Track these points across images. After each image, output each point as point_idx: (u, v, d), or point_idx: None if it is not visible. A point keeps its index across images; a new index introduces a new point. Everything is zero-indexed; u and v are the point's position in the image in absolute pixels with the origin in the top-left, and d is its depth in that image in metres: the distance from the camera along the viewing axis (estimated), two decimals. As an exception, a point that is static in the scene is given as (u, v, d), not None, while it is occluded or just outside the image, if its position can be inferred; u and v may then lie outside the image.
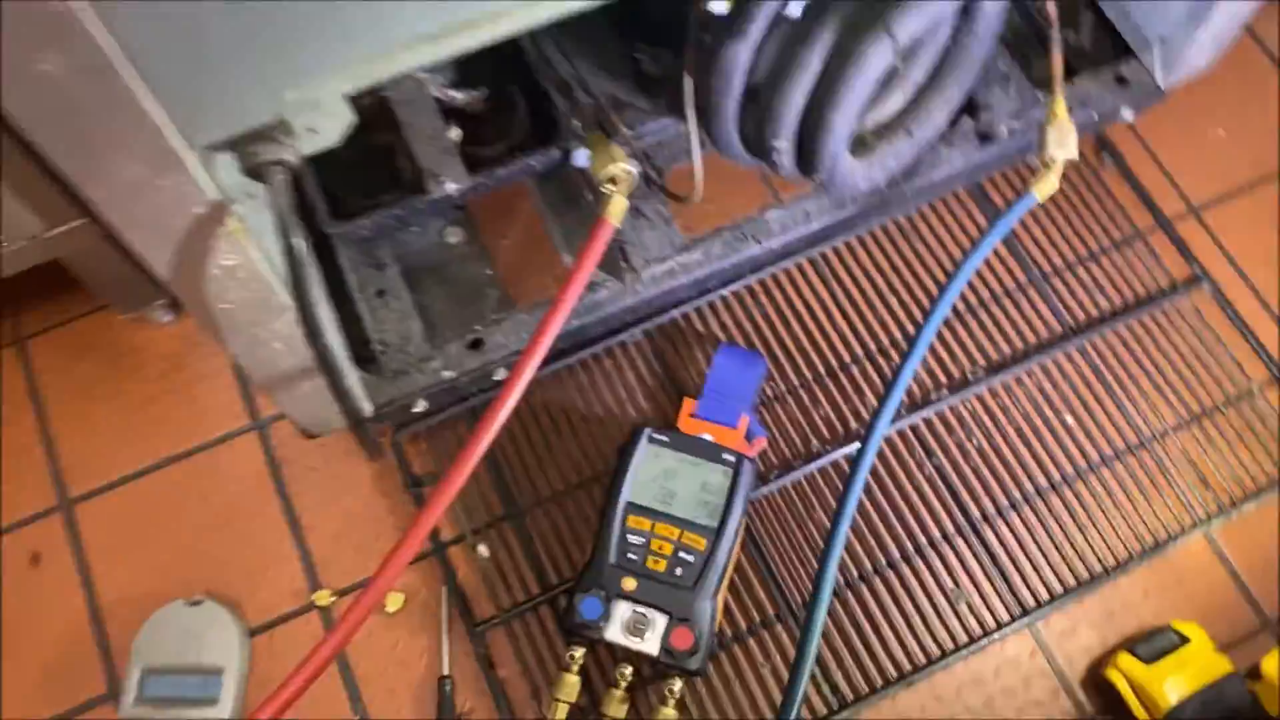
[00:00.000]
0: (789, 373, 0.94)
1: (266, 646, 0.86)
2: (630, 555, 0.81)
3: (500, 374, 0.78)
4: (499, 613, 0.86)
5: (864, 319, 0.96)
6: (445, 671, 0.85)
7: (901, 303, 0.97)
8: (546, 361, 0.94)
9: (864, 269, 0.98)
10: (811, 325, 0.96)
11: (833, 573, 0.72)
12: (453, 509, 0.90)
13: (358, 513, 0.91)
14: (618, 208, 0.68)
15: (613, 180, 0.70)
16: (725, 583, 0.82)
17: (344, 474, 0.92)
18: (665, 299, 0.81)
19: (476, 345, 0.78)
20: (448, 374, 0.77)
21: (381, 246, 0.80)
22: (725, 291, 0.97)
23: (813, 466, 0.90)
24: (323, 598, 0.87)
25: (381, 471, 0.92)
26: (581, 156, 0.79)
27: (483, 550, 0.89)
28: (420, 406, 0.78)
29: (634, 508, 0.83)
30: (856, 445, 0.91)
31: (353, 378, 0.74)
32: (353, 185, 0.80)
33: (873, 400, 0.93)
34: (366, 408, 0.75)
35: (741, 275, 0.85)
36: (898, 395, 0.78)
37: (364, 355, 0.78)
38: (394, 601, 0.87)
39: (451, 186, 0.76)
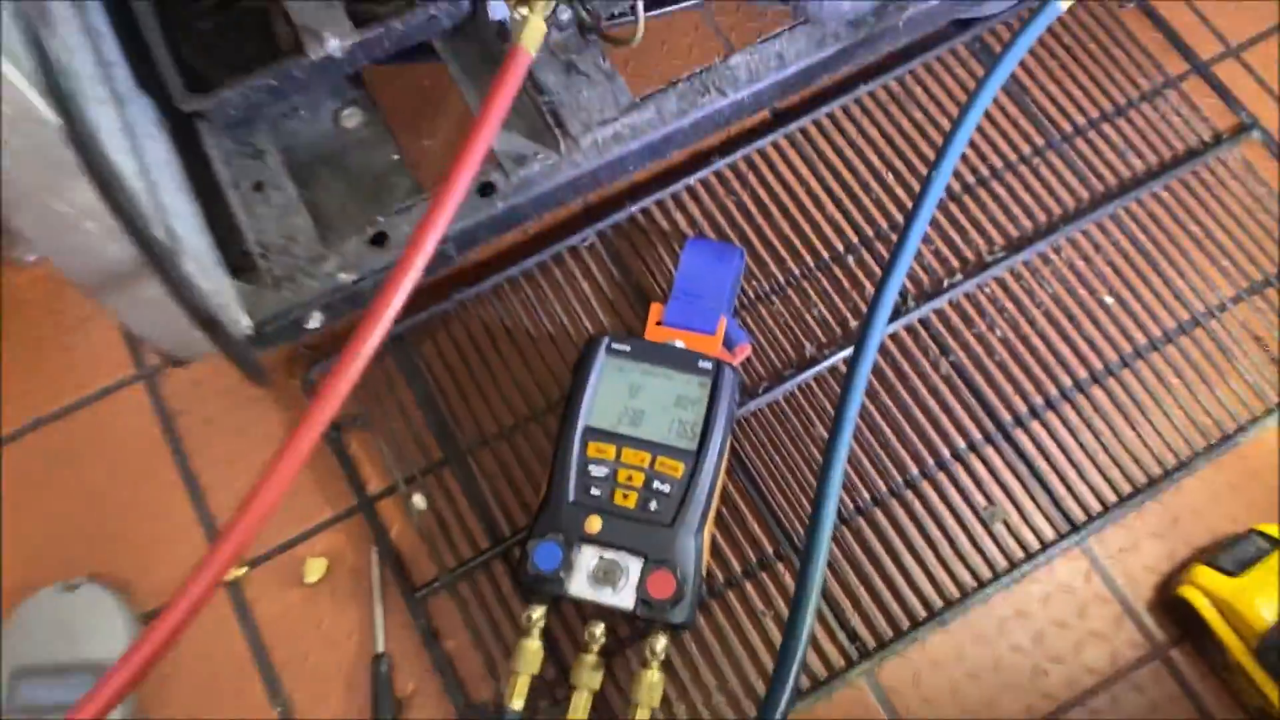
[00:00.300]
0: (772, 269, 0.79)
1: (164, 634, 0.71)
2: (593, 490, 0.67)
3: (414, 274, 0.63)
4: (441, 574, 0.71)
5: (857, 201, 0.81)
6: (380, 649, 0.70)
7: (900, 179, 0.82)
8: (484, 274, 0.80)
9: (853, 144, 0.83)
10: (796, 212, 0.81)
11: (834, 495, 0.58)
12: (380, 454, 0.75)
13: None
14: (534, 33, 0.53)
15: (525, 2, 0.55)
16: (711, 516, 0.67)
17: (249, 424, 0.77)
18: (612, 171, 0.66)
19: (380, 240, 0.63)
20: (345, 276, 0.61)
21: (259, 131, 0.65)
22: (692, 180, 0.82)
23: (807, 375, 0.75)
24: (231, 571, 0.72)
25: (295, 419, 0.77)
26: (499, 7, 0.64)
27: (419, 501, 0.74)
28: (315, 321, 0.63)
29: (594, 433, 0.68)
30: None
31: (221, 285, 0.58)
32: (221, 59, 0.65)
33: (872, 292, 0.78)
34: (243, 324, 0.60)
35: (703, 138, 0.69)
36: (897, 281, 0.64)
37: (243, 264, 0.62)
38: (313, 569, 0.72)
39: (334, 44, 0.61)
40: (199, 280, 0.53)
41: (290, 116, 0.68)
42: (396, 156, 0.68)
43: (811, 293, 0.78)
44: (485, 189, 0.64)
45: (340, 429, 0.76)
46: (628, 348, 0.70)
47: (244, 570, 0.72)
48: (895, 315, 0.77)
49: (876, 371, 0.76)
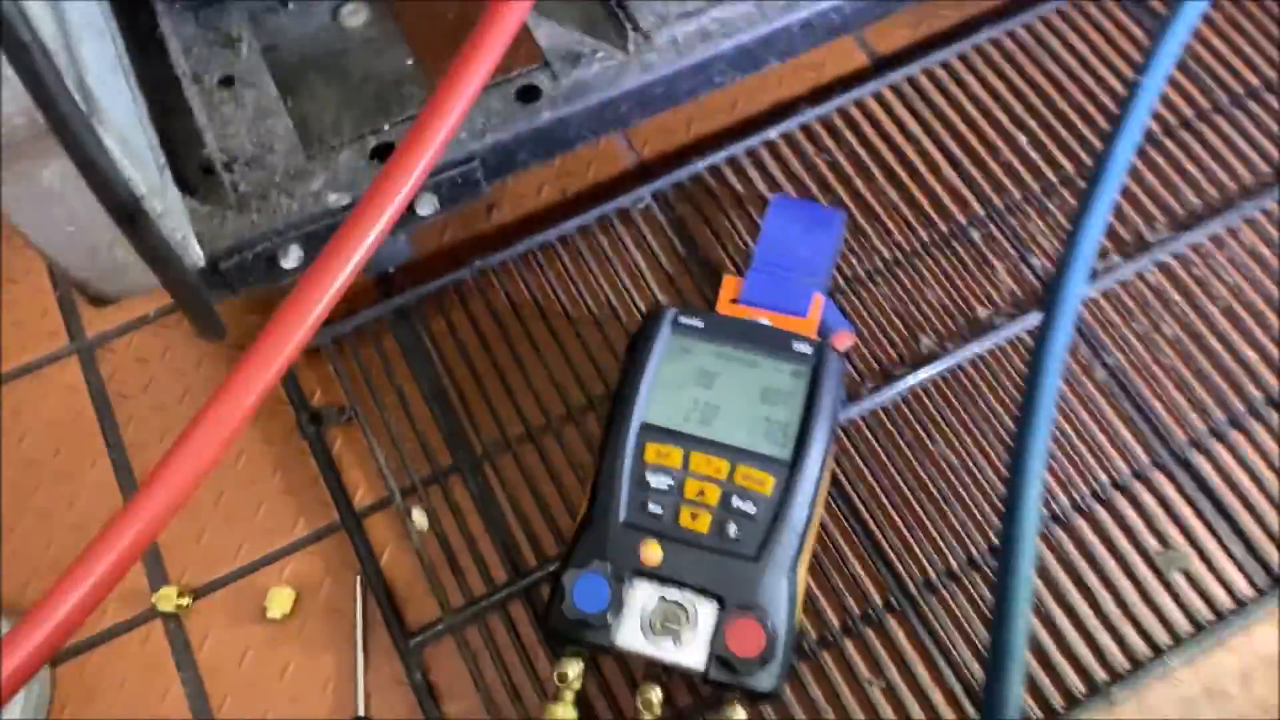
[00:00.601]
0: (876, 243, 0.63)
1: (77, 679, 0.54)
2: (652, 508, 0.50)
3: (427, 203, 0.47)
4: (445, 615, 0.54)
5: (982, 166, 0.65)
6: (361, 711, 0.53)
7: (1035, 141, 0.66)
8: (512, 238, 0.63)
9: (974, 98, 0.67)
10: (905, 176, 0.65)
11: (1030, 531, 0.40)
12: (372, 457, 0.58)
13: (227, 471, 0.59)
14: None
15: None
16: (809, 549, 0.51)
17: (208, 414, 0.60)
18: (693, 79, 0.50)
19: (383, 154, 0.46)
20: (335, 199, 0.46)
21: (230, 13, 0.49)
22: (773, 133, 0.66)
23: (924, 374, 0.59)
24: (168, 598, 0.55)
25: (266, 410, 0.60)
26: None
27: (419, 519, 0.57)
28: (293, 259, 0.47)
29: (655, 432, 0.51)
30: (989, 342, 0.59)
31: (163, 195, 0.42)
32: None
33: (1005, 276, 0.62)
34: (194, 253, 0.43)
35: (811, 45, 0.53)
36: (1093, 237, 0.47)
37: (201, 184, 0.46)
38: (278, 602, 0.55)
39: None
40: (126, 168, 0.37)
41: (275, 11, 0.52)
42: (410, 61, 0.52)
43: (927, 274, 0.62)
44: (527, 93, 0.48)
45: (320, 422, 0.59)
46: (700, 323, 0.54)
47: (186, 600, 0.55)
48: (1022, 307, 0.60)
49: (1007, 376, 0.59)
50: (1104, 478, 0.57)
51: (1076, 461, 0.57)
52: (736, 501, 0.50)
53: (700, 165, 0.65)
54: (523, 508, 0.57)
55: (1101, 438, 0.58)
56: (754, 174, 0.65)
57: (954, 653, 0.53)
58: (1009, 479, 0.40)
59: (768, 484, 0.50)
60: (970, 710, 0.52)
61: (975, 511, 0.56)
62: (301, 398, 0.59)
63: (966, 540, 0.55)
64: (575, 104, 0.48)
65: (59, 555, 0.57)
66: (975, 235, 0.63)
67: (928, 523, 0.56)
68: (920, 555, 0.55)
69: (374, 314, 0.61)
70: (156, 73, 0.48)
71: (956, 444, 0.57)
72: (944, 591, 0.54)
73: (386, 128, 0.47)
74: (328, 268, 0.34)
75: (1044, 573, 0.55)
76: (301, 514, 0.58)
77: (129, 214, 0.35)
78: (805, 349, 0.53)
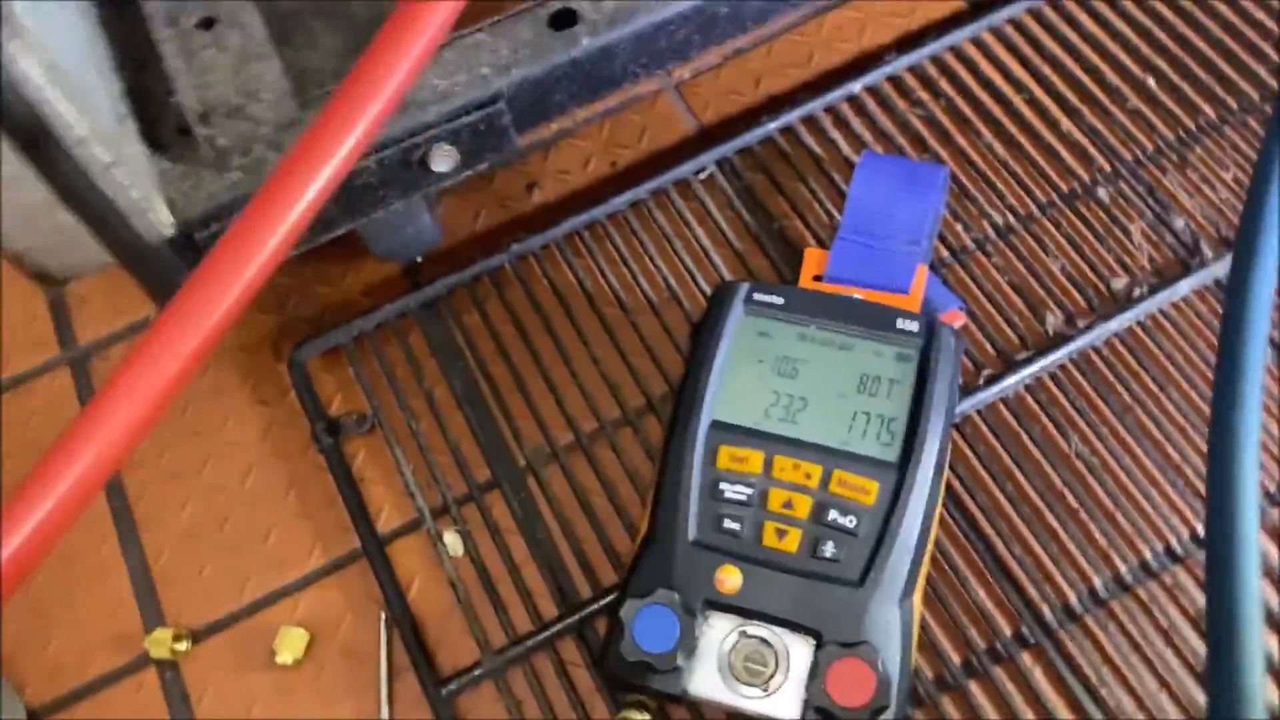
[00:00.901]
0: (986, 207, 0.53)
1: (59, 741, 0.46)
2: (728, 524, 0.41)
3: (444, 157, 0.38)
4: (485, 656, 0.45)
5: (1106, 115, 0.55)
6: (385, 774, 0.44)
7: (1168, 84, 0.56)
8: (555, 218, 0.54)
9: (1092, 39, 0.58)
10: (1015, 129, 0.55)
11: (1250, 529, 0.31)
12: (399, 473, 0.49)
13: (233, 492, 0.51)
14: None
15: None
16: (924, 573, 0.41)
17: (211, 424, 0.52)
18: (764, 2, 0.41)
19: (391, 98, 0.38)
20: (332, 153, 0.37)
21: (212, -55, 0.41)
22: (856, 86, 0.57)
23: (1053, 358, 0.49)
24: (161, 642, 0.47)
25: (278, 419, 0.52)
26: None
27: (453, 543, 0.48)
28: (283, 229, 0.38)
29: (729, 432, 0.42)
30: (1129, 318, 0.49)
31: (125, 153, 0.34)
32: None
33: (1141, 240, 0.52)
34: (161, 220, 0.35)
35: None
36: None
37: (175, 143, 0.39)
38: (289, 644, 0.47)
39: None
40: (51, 97, 0.29)
41: (270, -52, 0.45)
42: None
43: (1048, 241, 0.52)
44: (562, 19, 0.40)
45: (339, 433, 0.51)
46: (779, 299, 0.44)
47: (184, 644, 0.47)
48: (1165, 276, 0.50)
49: (1152, 356, 0.49)
50: (1286, 479, 0.46)
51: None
52: (833, 514, 0.40)
53: (772, 125, 0.56)
54: (574, 529, 0.48)
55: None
56: (835, 134, 0.56)
57: (1103, 692, 0.43)
58: (1212, 460, 0.30)
59: (871, 492, 0.41)
60: (1131, 769, 0.42)
61: (1123, 522, 0.46)
62: (317, 404, 0.51)
63: (1114, 557, 0.45)
64: (620, 29, 0.40)
65: (45, 587, 0.49)
66: (1103, 194, 0.53)
67: (1065, 537, 0.46)
68: (1057, 577, 0.45)
69: (399, 307, 0.53)
70: (135, 26, 0.40)
71: (1096, 440, 0.47)
72: (1088, 619, 0.44)
73: (395, 66, 0.39)
74: (277, 197, 0.26)
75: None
76: (318, 540, 0.49)
77: (33, 138, 0.27)
78: (912, 326, 0.43)
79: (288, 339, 0.53)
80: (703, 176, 0.55)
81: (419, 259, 0.55)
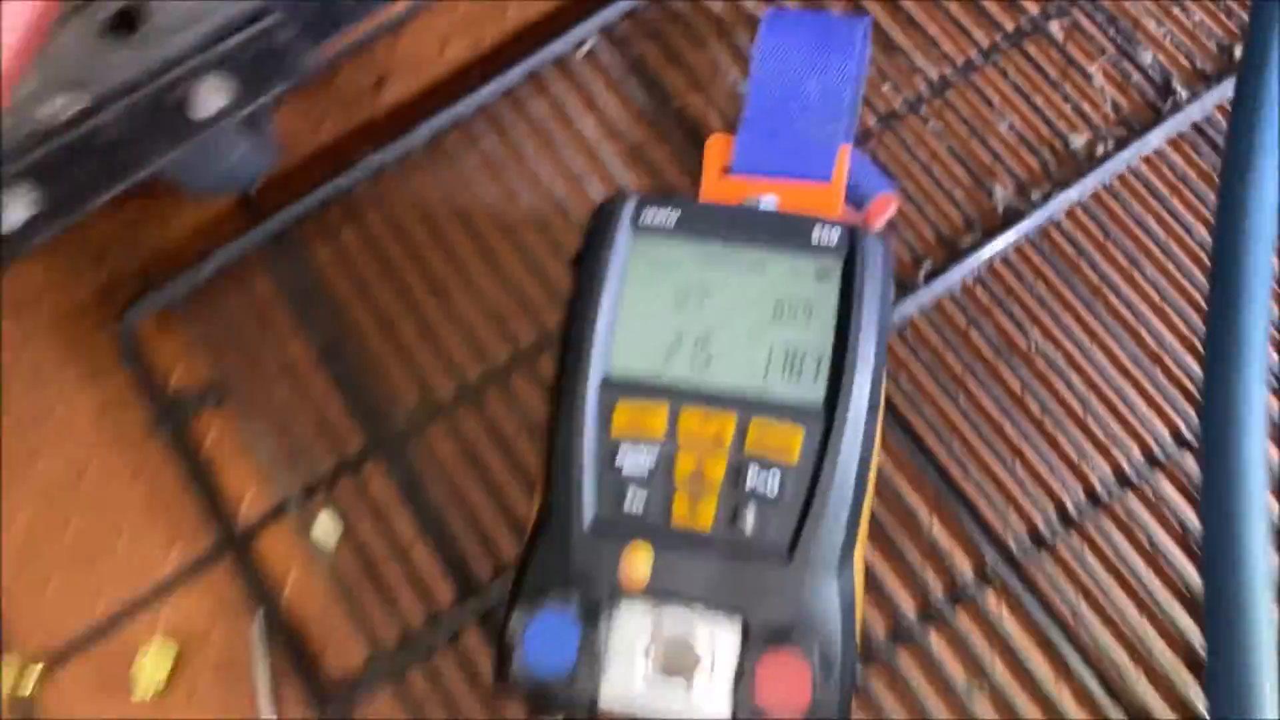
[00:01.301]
0: (917, 61, 0.45)
1: (-91, 796, 0.41)
2: (631, 500, 0.34)
3: (213, 94, 0.30)
4: (376, 657, 0.39)
5: (1052, -72, 0.46)
6: (277, 801, 0.39)
7: (1126, -119, 0.46)
8: (412, 120, 0.45)
9: None
10: (945, -42, 0.46)
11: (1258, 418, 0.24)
12: (257, 451, 0.42)
13: (71, 491, 0.44)
14: None
15: None
16: (864, 528, 0.35)
17: (32, 412, 0.45)
18: None
19: (126, 23, 0.29)
20: (63, 104, 0.28)
21: None
22: (756, -79, 0.47)
23: (1003, 242, 0.41)
24: (8, 674, 0.41)
25: (112, 398, 0.45)
26: None
27: (326, 528, 0.42)
28: (19, 210, 0.30)
29: (623, 387, 0.35)
30: (1093, 181, 0.42)
31: None
32: None
33: (1105, 84, 0.44)
34: None
35: None
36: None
37: None
38: (152, 666, 0.41)
39: None
40: None
41: None
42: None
43: (993, 94, 0.44)
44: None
45: (183, 412, 0.43)
46: (671, 217, 0.37)
47: (34, 674, 0.41)
48: (1134, 125, 0.42)
49: (1123, 225, 0.42)
50: None
51: None
52: (752, 476, 0.34)
53: (661, -18, 0.46)
54: (467, 496, 0.41)
55: None
56: (736, -15, 0.46)
57: (1083, 634, 0.37)
58: (1211, 320, 0.24)
59: (794, 443, 0.34)
60: (1115, 715, 0.37)
61: (1095, 427, 0.40)
62: (152, 380, 0.44)
63: (1086, 469, 0.39)
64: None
65: None
66: (1055, 29, 0.45)
67: (1028, 451, 0.39)
68: (1021, 499, 0.39)
69: (237, 250, 0.44)
70: None
71: (1059, 333, 0.41)
72: (1059, 547, 0.39)
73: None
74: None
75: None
76: (175, 539, 0.43)
77: None
78: (830, 237, 0.36)
79: (114, 300, 0.45)
80: (584, 52, 0.46)
81: (253, 189, 0.46)
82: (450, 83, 0.47)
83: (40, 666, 0.41)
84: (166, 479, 0.43)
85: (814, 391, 0.35)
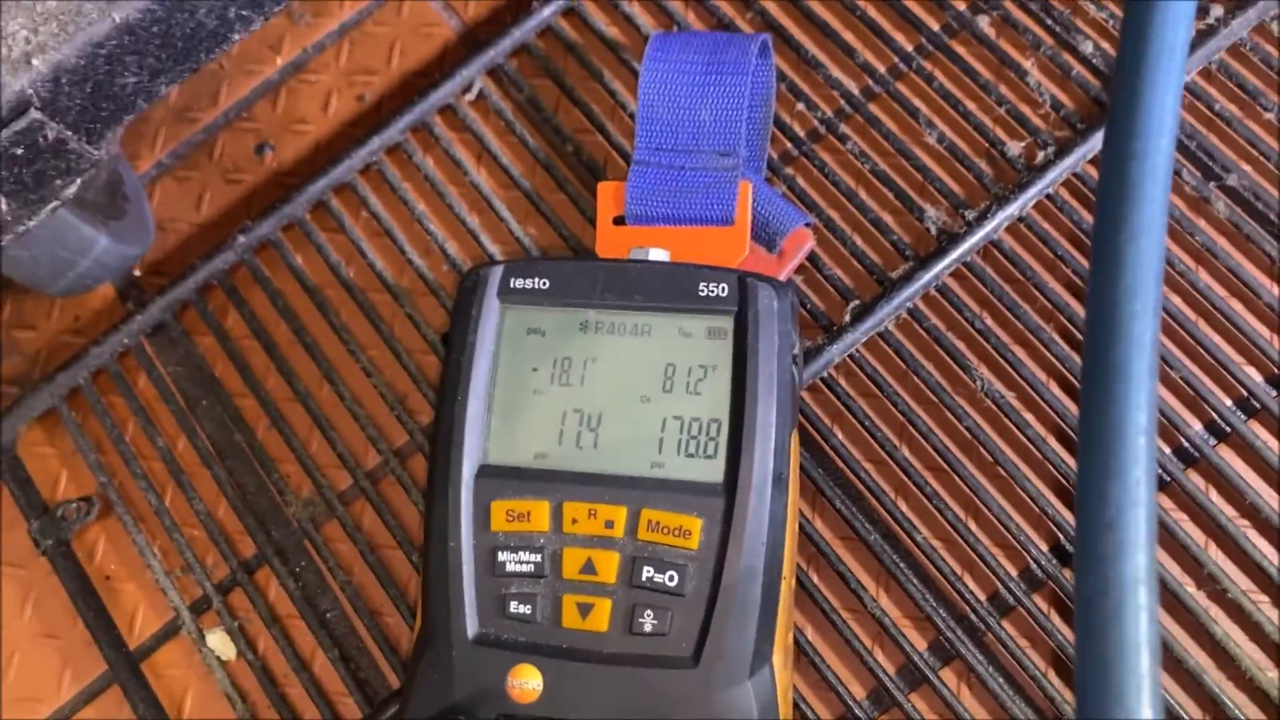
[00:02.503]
0: (831, 69, 0.40)
1: None
2: (516, 607, 0.30)
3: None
4: (275, 788, 0.36)
5: (975, -89, 0.41)
6: None
7: None
8: (299, 186, 0.41)
9: None
10: (858, -43, 0.42)
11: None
12: (145, 563, 0.39)
13: (-42, 616, 0.41)
14: None
15: None
16: (785, 621, 0.30)
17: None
18: None
19: None
20: None
21: None
22: (648, -64, 0.43)
23: (941, 268, 0.37)
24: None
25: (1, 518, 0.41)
26: None
27: (220, 644, 0.38)
28: None
29: (501, 479, 0.31)
30: (1033, 192, 0.37)
31: None
32: None
33: (1043, 79, 0.39)
34: None
35: None
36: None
37: None
38: (40, 811, 0.37)
39: None
40: None
41: None
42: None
43: (919, 105, 0.39)
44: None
45: (62, 528, 0.40)
46: (545, 281, 0.33)
47: (-74, 824, 0.38)
48: (1079, 126, 0.38)
49: (1069, 233, 0.37)
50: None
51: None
52: (648, 571, 0.30)
53: (548, 10, 0.42)
54: (368, 599, 0.38)
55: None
56: (631, 5, 0.42)
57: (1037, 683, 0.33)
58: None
59: (693, 532, 0.30)
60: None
61: (1057, 476, 0.35)
62: (32, 494, 0.40)
63: (1049, 524, 0.34)
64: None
65: None
66: (984, 25, 0.40)
67: (983, 507, 0.35)
68: (979, 565, 0.34)
69: (114, 345, 0.41)
70: None
71: (1009, 368, 0.36)
72: (1022, 608, 0.34)
73: None
74: None
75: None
76: (66, 665, 0.39)
77: None
78: (719, 289, 0.31)
79: (-13, 391, 0.42)
80: (471, 96, 0.42)
81: (135, 274, 0.43)
82: (335, 142, 0.44)
83: (-71, 816, 0.38)
84: (57, 602, 0.40)
85: (713, 469, 0.30)
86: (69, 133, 0.26)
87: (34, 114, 0.26)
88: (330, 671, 0.37)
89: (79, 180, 0.28)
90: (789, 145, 0.40)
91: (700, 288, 0.31)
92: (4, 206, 0.26)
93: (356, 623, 0.38)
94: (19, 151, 0.26)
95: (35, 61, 0.25)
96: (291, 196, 0.41)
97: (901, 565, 0.35)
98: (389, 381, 0.40)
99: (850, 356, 0.37)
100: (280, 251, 0.41)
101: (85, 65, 0.26)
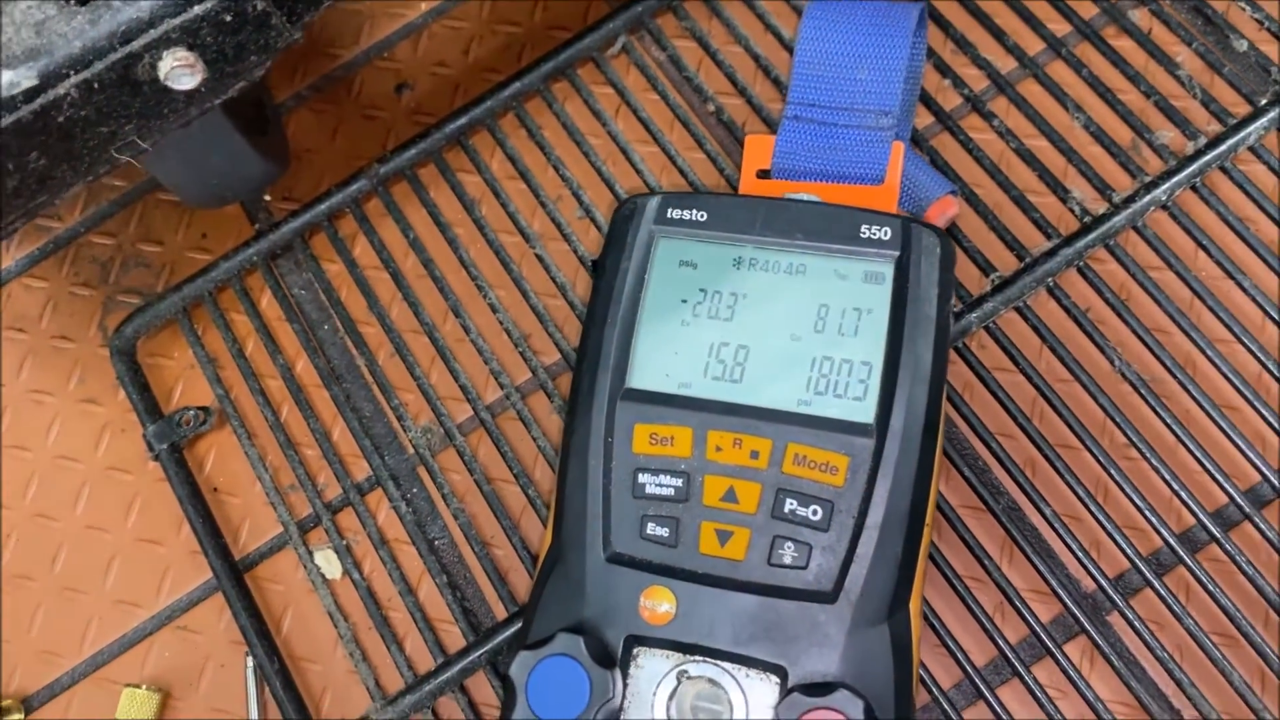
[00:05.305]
0: (979, 48, 0.40)
1: None
2: (654, 529, 0.30)
3: (181, 69, 0.27)
4: (377, 708, 0.35)
5: (1130, -90, 0.42)
6: None
7: None
8: (435, 125, 0.41)
9: None
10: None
11: None
12: (257, 478, 0.39)
13: (62, 517, 0.41)
14: None
15: None
16: (921, 567, 0.30)
17: (29, 437, 0.42)
18: None
19: (87, -11, 0.26)
20: (10, 79, 0.25)
21: None
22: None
23: (1081, 248, 0.37)
24: (-15, 721, 0.38)
25: (112, 422, 0.42)
26: None
27: (327, 563, 0.38)
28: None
29: (646, 403, 0.31)
30: (1198, 170, 0.37)
31: None
32: None
33: (1192, 75, 0.39)
34: None
35: None
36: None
37: None
38: (134, 710, 0.37)
39: None
40: None
41: None
42: None
43: (1067, 90, 0.39)
44: None
45: (178, 435, 0.40)
46: (702, 213, 0.33)
47: (16, 716, 0.38)
48: (1226, 124, 0.37)
49: (1205, 234, 0.37)
50: (1404, 379, 0.34)
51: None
52: (792, 504, 0.30)
53: (693, -33, 0.43)
54: (480, 530, 0.38)
55: (1390, 313, 0.35)
56: (779, -24, 0.43)
57: (1179, 674, 0.32)
58: None
59: (840, 469, 0.30)
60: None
61: (1192, 464, 0.34)
62: (149, 400, 0.40)
63: (1179, 507, 0.34)
64: None
65: None
66: (1136, 17, 0.40)
67: (1114, 487, 0.34)
68: (1106, 543, 0.34)
69: (239, 262, 0.41)
70: None
71: (1147, 354, 0.36)
72: (1148, 594, 0.33)
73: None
74: None
75: None
76: (167, 571, 0.39)
77: None
78: (882, 232, 0.31)
79: (114, 316, 0.43)
80: (614, 52, 0.43)
81: (264, 197, 0.43)
82: (474, 86, 0.44)
83: (21, 710, 0.38)
84: (162, 508, 0.40)
85: (863, 410, 0.30)
86: (274, 7, 0.27)
87: (250, -17, 0.26)
88: (436, 598, 0.37)
89: (269, 61, 0.28)
90: (932, 119, 0.40)
91: (863, 229, 0.32)
92: (203, 76, 0.27)
93: (466, 551, 0.38)
94: (227, 19, 0.26)
95: (258, -72, 0.26)
96: (430, 132, 0.42)
97: (1029, 537, 0.34)
98: (514, 319, 0.40)
99: (986, 328, 0.36)
100: (414, 186, 0.42)
101: (304, -60, 0.26)
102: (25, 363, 0.43)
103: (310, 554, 0.38)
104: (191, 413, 0.40)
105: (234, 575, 0.38)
